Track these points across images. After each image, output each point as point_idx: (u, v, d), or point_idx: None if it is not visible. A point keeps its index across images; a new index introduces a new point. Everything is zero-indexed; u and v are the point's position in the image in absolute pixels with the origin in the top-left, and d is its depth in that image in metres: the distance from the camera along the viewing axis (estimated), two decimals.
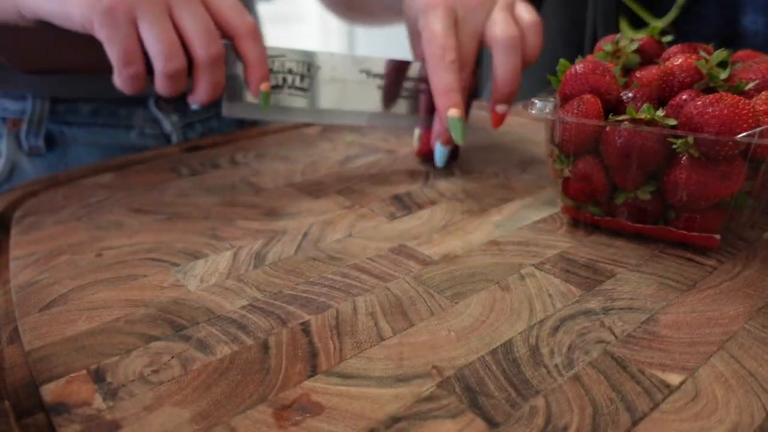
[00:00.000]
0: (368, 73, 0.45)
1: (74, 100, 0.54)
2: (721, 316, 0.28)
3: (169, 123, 0.58)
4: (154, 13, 0.36)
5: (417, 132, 0.50)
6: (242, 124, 0.66)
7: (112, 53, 0.37)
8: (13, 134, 0.53)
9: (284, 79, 0.43)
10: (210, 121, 0.62)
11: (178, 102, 0.59)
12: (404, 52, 0.53)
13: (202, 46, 0.38)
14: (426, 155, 0.49)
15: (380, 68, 0.46)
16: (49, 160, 0.54)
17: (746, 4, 0.55)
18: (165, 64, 0.37)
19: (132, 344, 0.26)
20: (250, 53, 0.40)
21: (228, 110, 0.43)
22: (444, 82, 0.42)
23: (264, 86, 0.41)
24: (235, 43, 0.40)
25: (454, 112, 0.42)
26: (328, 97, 0.45)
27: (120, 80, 0.38)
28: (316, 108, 0.45)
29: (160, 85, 0.39)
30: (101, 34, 0.36)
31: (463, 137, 0.43)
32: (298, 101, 0.44)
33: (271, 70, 0.42)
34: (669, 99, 0.34)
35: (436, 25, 0.43)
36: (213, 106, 0.61)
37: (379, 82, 0.46)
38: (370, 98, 0.46)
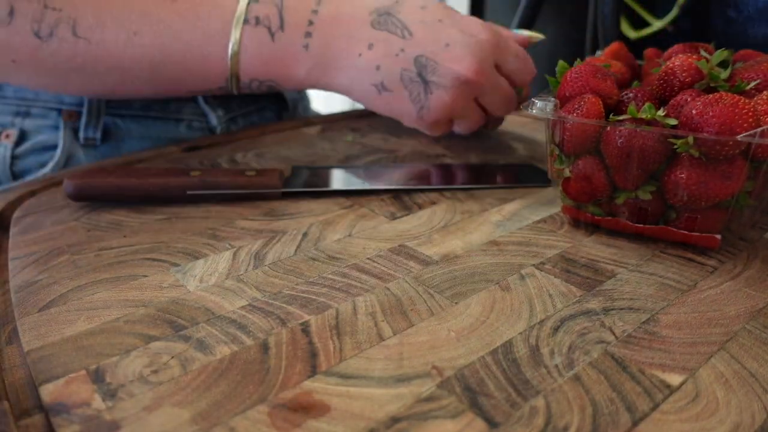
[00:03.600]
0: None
1: None
2: (721, 316, 0.28)
3: (215, 116, 0.60)
4: (468, 113, 0.46)
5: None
6: (281, 118, 0.67)
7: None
8: (70, 125, 0.54)
9: None
10: (251, 116, 0.64)
11: (224, 98, 0.60)
12: None
13: (506, 110, 0.48)
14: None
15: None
16: (103, 151, 0.55)
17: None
18: (502, 114, 0.49)
19: (131, 344, 0.26)
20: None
21: None
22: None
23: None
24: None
25: None
26: None
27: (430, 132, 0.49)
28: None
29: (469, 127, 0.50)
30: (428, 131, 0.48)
31: None
32: None
33: None
34: (670, 99, 0.34)
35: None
36: (253, 101, 0.64)
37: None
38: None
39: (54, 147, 0.54)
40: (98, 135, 0.54)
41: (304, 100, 0.72)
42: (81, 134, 0.54)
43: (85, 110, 0.53)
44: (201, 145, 0.54)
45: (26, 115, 0.54)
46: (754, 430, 0.22)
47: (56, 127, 0.54)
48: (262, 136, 0.57)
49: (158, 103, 0.57)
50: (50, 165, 0.53)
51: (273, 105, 0.66)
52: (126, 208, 0.40)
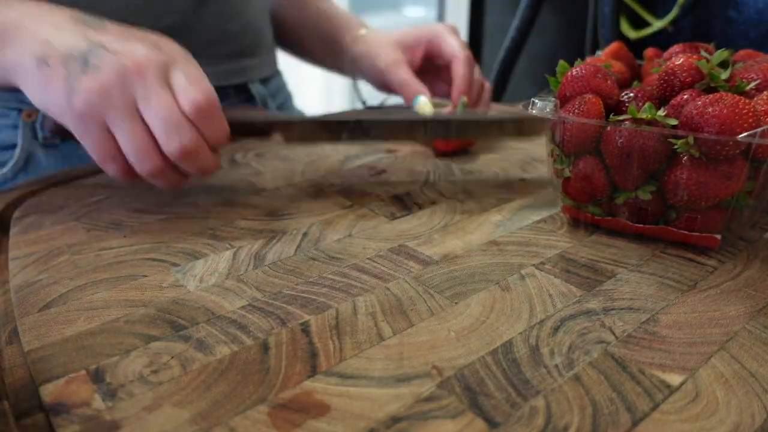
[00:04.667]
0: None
1: None
2: (721, 316, 0.28)
3: None
4: (121, 116, 0.35)
5: (421, 99, 0.52)
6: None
7: (91, 153, 0.37)
8: (29, 125, 0.53)
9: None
10: None
11: None
12: None
13: (168, 143, 0.36)
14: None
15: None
16: (63, 151, 0.55)
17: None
18: (140, 166, 0.36)
19: (131, 344, 0.26)
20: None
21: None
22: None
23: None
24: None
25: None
26: None
27: (109, 174, 0.38)
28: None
29: (153, 182, 0.38)
30: (77, 135, 0.37)
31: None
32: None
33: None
34: (670, 99, 0.34)
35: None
36: (221, 97, 0.62)
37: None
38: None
39: (13, 146, 0.53)
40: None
41: (280, 95, 0.71)
42: (39, 133, 0.54)
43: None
44: None
45: None
46: (754, 429, 0.22)
47: (15, 126, 0.53)
48: None
49: None
50: (10, 164, 0.53)
51: (240, 100, 0.65)
52: (126, 208, 0.40)
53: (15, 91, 0.47)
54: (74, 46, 0.36)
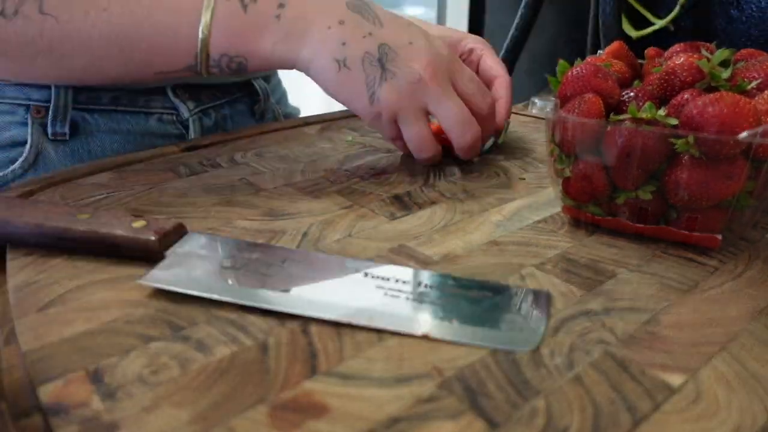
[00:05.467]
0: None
1: (96, 89, 0.55)
2: (722, 316, 0.28)
3: (185, 109, 0.59)
4: (411, 118, 0.44)
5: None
6: (252, 114, 0.67)
7: (380, 133, 0.48)
8: (38, 121, 0.54)
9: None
10: (222, 108, 0.64)
11: (193, 89, 0.60)
12: None
13: (461, 137, 0.45)
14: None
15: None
16: (72, 147, 0.55)
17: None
18: (419, 154, 0.47)
19: (130, 345, 0.26)
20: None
21: None
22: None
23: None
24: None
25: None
26: None
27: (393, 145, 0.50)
28: None
29: (461, 154, 0.47)
30: (368, 123, 0.46)
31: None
32: None
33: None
34: (670, 98, 0.33)
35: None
36: (223, 93, 0.63)
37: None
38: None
39: (23, 143, 0.54)
40: (66, 130, 0.54)
41: (277, 92, 0.72)
42: (49, 129, 0.54)
43: (52, 105, 0.53)
44: (200, 144, 0.54)
45: None
46: (756, 430, 0.22)
47: (24, 123, 0.54)
48: (261, 136, 0.57)
49: (126, 97, 0.56)
50: (19, 161, 0.53)
51: (244, 96, 0.66)
52: (125, 208, 0.40)
53: (23, 86, 0.47)
54: (367, 48, 0.43)
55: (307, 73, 0.45)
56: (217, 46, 0.43)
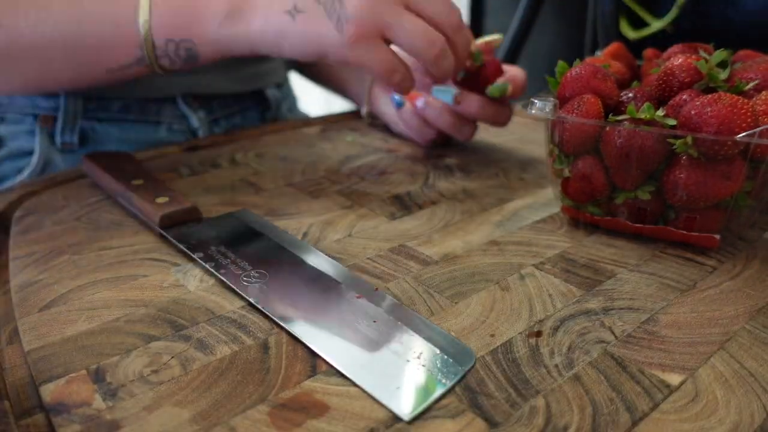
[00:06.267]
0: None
1: (105, 98, 0.55)
2: (721, 316, 0.28)
3: (196, 119, 0.59)
4: (396, 11, 0.40)
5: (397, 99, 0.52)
6: (263, 122, 0.66)
7: (377, 73, 0.41)
8: (46, 130, 0.54)
9: None
10: (234, 117, 0.63)
11: (205, 99, 0.60)
12: None
13: (449, 17, 0.42)
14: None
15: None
16: (80, 156, 0.55)
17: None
18: (428, 51, 0.41)
19: (132, 344, 0.26)
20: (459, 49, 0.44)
21: None
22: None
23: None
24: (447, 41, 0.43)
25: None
26: None
27: (393, 89, 0.43)
28: None
29: (434, 72, 0.43)
30: (359, 62, 0.41)
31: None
32: None
33: None
34: (669, 99, 0.34)
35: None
36: (235, 101, 0.63)
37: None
38: None
39: (30, 153, 0.53)
40: (75, 139, 0.54)
41: (288, 99, 0.72)
42: (57, 139, 0.54)
43: (60, 114, 0.53)
44: (201, 144, 0.54)
45: (1, 120, 0.53)
46: (754, 429, 0.22)
47: (32, 133, 0.53)
48: (262, 136, 0.57)
49: (136, 106, 0.56)
50: (27, 171, 0.53)
51: (255, 105, 0.65)
52: (126, 208, 0.40)
53: (31, 95, 0.46)
54: None
55: (270, 50, 0.42)
56: (159, 31, 0.42)
